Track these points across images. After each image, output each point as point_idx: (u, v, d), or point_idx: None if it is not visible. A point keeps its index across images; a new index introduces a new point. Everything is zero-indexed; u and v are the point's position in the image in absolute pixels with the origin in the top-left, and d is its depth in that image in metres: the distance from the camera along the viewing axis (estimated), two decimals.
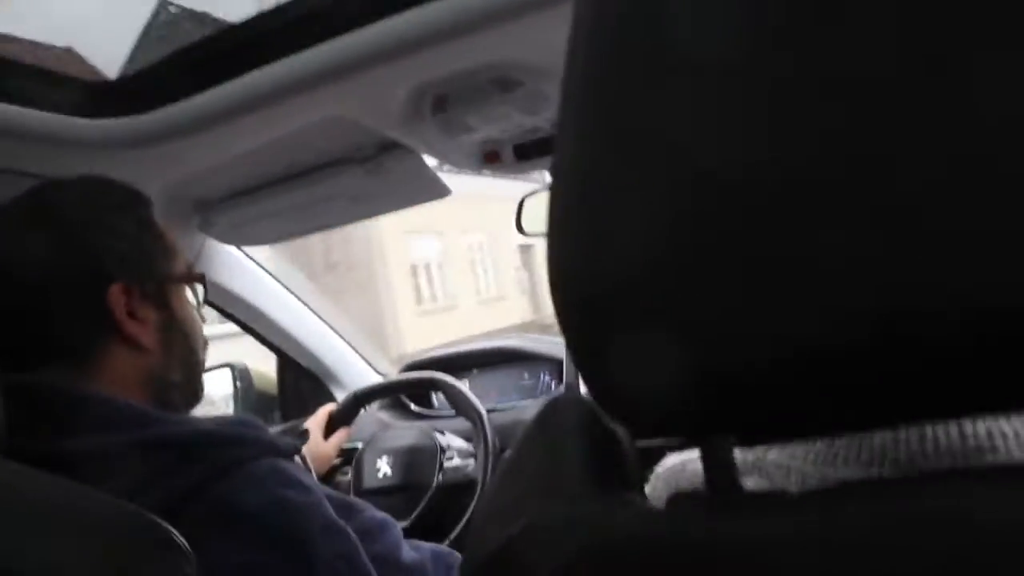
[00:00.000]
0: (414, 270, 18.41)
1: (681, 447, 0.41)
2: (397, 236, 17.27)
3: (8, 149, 1.26)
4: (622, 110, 0.34)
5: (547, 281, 0.38)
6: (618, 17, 0.35)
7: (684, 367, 0.33)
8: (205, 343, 1.18)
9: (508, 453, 0.48)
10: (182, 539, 0.82)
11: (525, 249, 20.38)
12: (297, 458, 1.03)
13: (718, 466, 0.36)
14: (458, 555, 1.15)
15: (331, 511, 0.98)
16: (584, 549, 0.37)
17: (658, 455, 0.45)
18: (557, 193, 0.38)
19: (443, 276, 19.25)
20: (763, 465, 0.40)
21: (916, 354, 0.29)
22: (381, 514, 1.08)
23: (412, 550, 1.08)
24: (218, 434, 0.96)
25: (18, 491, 0.78)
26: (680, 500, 0.39)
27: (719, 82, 0.31)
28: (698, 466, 0.40)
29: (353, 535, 0.97)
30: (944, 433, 0.34)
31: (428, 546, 1.12)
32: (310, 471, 1.70)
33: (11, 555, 0.73)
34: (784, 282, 0.30)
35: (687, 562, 0.34)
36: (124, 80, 1.29)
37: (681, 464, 0.43)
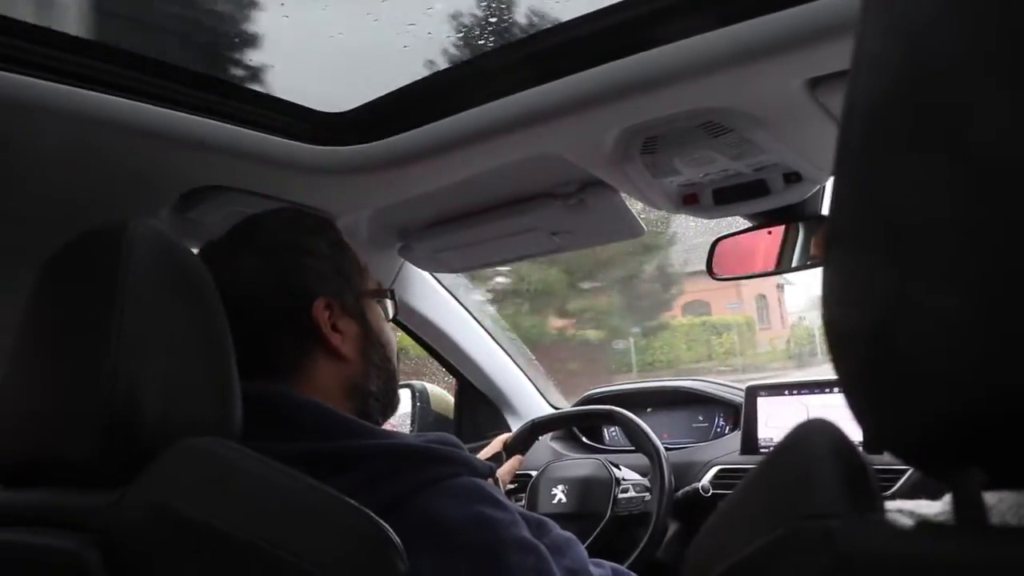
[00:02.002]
0: None
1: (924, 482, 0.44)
2: None
3: (240, 170, 1.37)
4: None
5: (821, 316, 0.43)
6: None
7: (956, 407, 0.37)
8: (397, 355, 1.26)
9: (755, 468, 0.51)
10: (397, 539, 0.88)
11: None
12: (489, 479, 1.08)
13: (967, 498, 0.39)
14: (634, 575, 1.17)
15: (525, 528, 1.02)
16: (841, 561, 0.40)
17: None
18: (839, 243, 0.42)
19: None
20: (996, 506, 0.42)
21: None
22: (567, 532, 1.12)
23: (596, 567, 1.11)
24: (426, 450, 1.02)
25: (262, 479, 0.86)
26: (929, 527, 0.41)
27: None
28: (916, 509, 0.43)
29: (545, 551, 1.01)
30: None
31: (609, 564, 1.15)
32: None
33: (254, 530, 0.81)
34: None
35: None
36: (352, 111, 1.38)
37: (896, 509, 0.45)
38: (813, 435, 0.47)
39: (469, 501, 1.00)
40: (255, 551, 0.80)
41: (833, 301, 0.43)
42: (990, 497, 0.41)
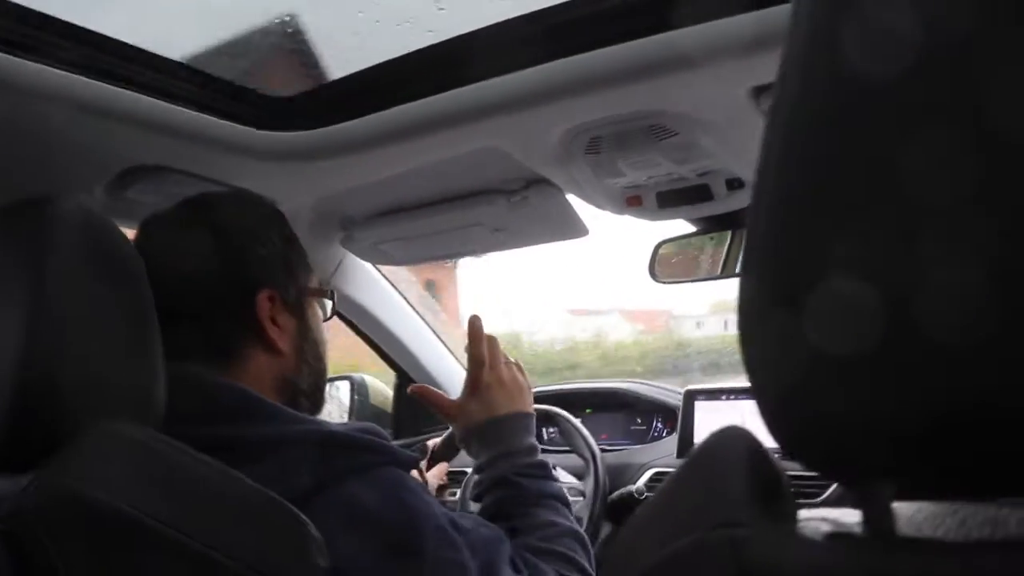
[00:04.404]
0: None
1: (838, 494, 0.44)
2: None
3: (181, 150, 1.34)
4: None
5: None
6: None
7: (864, 420, 0.37)
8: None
9: (670, 476, 0.51)
10: (318, 533, 0.87)
11: None
12: (414, 472, 1.07)
13: (878, 510, 0.39)
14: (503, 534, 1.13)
15: (446, 520, 1.01)
16: (747, 571, 0.40)
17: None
18: (759, 257, 0.41)
19: None
20: (913, 517, 0.42)
21: None
22: (493, 530, 1.10)
23: (519, 569, 1.08)
24: (350, 438, 1.01)
25: (181, 468, 0.85)
26: (838, 537, 0.41)
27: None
28: (836, 518, 0.42)
29: (464, 546, 1.01)
30: None
31: (535, 561, 1.12)
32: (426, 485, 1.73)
33: (171, 520, 0.79)
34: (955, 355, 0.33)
35: None
36: (298, 97, 1.36)
37: (820, 517, 0.45)
38: (727, 442, 0.47)
39: (392, 491, 0.99)
40: (170, 542, 0.79)
41: (750, 299, 0.43)
42: (907, 508, 0.42)
